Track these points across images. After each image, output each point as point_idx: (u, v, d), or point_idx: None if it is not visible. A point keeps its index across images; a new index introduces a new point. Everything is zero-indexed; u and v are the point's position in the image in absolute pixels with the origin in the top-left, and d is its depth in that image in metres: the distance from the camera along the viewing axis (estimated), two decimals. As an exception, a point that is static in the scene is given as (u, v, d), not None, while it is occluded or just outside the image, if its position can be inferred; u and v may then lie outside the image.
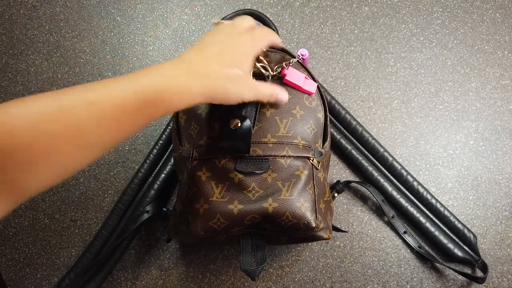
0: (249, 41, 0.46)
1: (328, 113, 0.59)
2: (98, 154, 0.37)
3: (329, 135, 0.59)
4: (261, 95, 0.48)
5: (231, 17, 0.63)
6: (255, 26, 0.50)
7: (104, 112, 0.35)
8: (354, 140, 0.74)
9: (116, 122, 0.36)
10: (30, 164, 0.32)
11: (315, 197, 0.53)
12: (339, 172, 0.74)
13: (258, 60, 0.54)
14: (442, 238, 0.69)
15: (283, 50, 0.58)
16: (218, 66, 0.43)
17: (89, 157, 0.36)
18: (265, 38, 0.49)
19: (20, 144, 0.31)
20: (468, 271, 0.70)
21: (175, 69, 0.41)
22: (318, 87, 0.58)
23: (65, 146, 0.34)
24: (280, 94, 0.51)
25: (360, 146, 0.73)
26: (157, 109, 0.39)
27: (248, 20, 0.50)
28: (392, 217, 0.70)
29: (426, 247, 0.71)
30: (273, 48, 0.58)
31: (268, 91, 0.49)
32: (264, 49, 0.50)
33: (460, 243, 0.70)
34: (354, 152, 0.72)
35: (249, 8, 0.80)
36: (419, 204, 0.72)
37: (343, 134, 0.73)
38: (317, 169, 0.55)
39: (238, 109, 0.50)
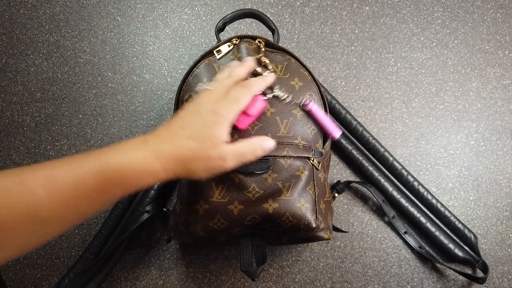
0: (222, 110, 0.43)
1: (328, 113, 0.58)
2: (56, 231, 0.37)
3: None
4: (240, 159, 0.44)
5: (231, 17, 0.62)
6: (236, 80, 0.47)
7: (62, 189, 0.35)
8: (355, 140, 0.73)
9: (75, 200, 0.36)
10: None
11: (315, 197, 0.53)
12: (339, 172, 0.74)
13: (259, 62, 0.55)
14: (442, 238, 0.69)
15: (283, 49, 0.58)
16: (184, 146, 0.41)
17: (46, 234, 0.36)
18: (244, 96, 0.45)
19: None
20: (468, 271, 0.70)
21: (140, 149, 0.40)
22: (318, 87, 0.58)
23: (20, 221, 0.34)
24: (265, 143, 0.47)
25: (361, 146, 0.73)
26: (118, 188, 0.38)
27: (228, 77, 0.47)
28: (393, 217, 0.69)
29: (427, 247, 0.71)
30: (273, 48, 0.58)
31: (249, 149, 0.45)
32: (245, 105, 0.46)
33: (460, 243, 0.70)
34: (354, 152, 0.72)
35: (249, 8, 0.80)
36: (419, 204, 0.72)
37: (343, 134, 0.73)
38: (317, 169, 0.55)
39: None
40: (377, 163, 0.73)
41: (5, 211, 0.33)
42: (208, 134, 0.42)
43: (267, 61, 0.54)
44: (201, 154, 0.41)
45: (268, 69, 0.55)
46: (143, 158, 0.39)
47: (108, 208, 0.38)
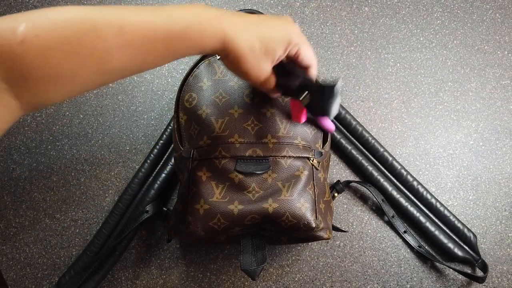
0: (297, 38, 0.44)
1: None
2: (115, 79, 0.38)
3: (329, 135, 0.59)
4: (265, 84, 0.46)
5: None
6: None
7: (132, 41, 0.35)
8: (354, 140, 0.74)
9: (142, 53, 0.36)
10: (55, 80, 0.33)
11: (315, 197, 0.53)
12: (339, 172, 0.74)
13: None
14: (442, 237, 0.69)
15: None
16: (250, 42, 0.41)
17: (107, 81, 0.37)
18: (312, 54, 0.47)
19: (51, 61, 0.32)
20: (468, 270, 0.70)
21: (213, 18, 0.39)
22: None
23: (90, 68, 0.34)
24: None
25: (360, 146, 0.73)
26: (182, 46, 0.38)
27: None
28: (392, 216, 0.70)
29: (426, 247, 0.71)
30: None
31: (267, 87, 0.47)
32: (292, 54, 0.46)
33: (460, 242, 0.70)
34: (354, 152, 0.72)
35: (249, 8, 0.80)
36: (419, 203, 0.72)
37: (343, 134, 0.73)
38: (317, 169, 0.55)
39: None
40: (377, 162, 0.73)
41: (76, 60, 0.33)
42: (275, 47, 0.42)
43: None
44: (256, 58, 0.41)
45: None
46: (212, 28, 0.39)
47: (165, 64, 0.39)
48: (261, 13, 0.63)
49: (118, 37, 0.34)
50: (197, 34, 0.38)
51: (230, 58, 0.42)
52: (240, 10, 0.63)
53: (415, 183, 0.72)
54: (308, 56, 0.46)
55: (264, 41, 0.41)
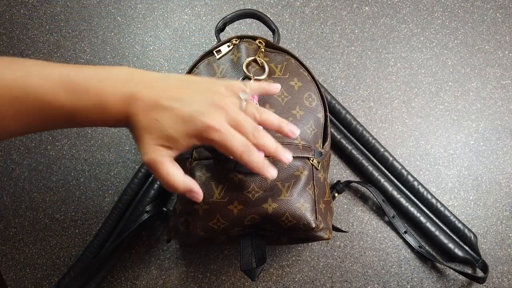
0: (223, 123, 0.38)
1: (328, 113, 0.59)
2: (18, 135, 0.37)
3: (329, 135, 0.59)
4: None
5: (232, 17, 0.62)
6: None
7: (27, 111, 0.34)
8: (355, 140, 0.74)
9: (39, 122, 0.35)
10: None
11: (315, 197, 0.53)
12: (339, 172, 0.74)
13: (255, 61, 0.55)
14: (442, 238, 0.69)
15: (283, 50, 0.58)
16: (163, 111, 0.36)
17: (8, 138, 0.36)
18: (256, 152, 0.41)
19: None
20: (468, 271, 0.70)
21: (121, 87, 0.36)
22: (318, 87, 0.58)
23: None
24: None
25: (361, 146, 0.73)
26: (82, 124, 0.37)
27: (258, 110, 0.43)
28: (393, 217, 0.70)
29: (427, 247, 0.71)
30: (273, 49, 0.59)
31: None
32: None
33: (460, 243, 0.70)
34: (354, 152, 0.72)
35: (249, 8, 0.80)
36: (419, 204, 0.72)
37: (343, 134, 0.73)
38: (317, 169, 0.55)
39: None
40: (377, 163, 0.73)
41: None
42: (179, 147, 0.38)
43: (264, 62, 0.55)
44: (166, 132, 0.37)
45: (264, 70, 0.55)
46: (116, 99, 0.36)
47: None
48: (259, 14, 0.62)
49: (12, 107, 0.33)
50: (98, 117, 0.36)
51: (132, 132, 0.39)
52: (240, 10, 0.63)
53: (415, 183, 0.72)
54: (225, 152, 0.40)
55: (168, 141, 0.37)
